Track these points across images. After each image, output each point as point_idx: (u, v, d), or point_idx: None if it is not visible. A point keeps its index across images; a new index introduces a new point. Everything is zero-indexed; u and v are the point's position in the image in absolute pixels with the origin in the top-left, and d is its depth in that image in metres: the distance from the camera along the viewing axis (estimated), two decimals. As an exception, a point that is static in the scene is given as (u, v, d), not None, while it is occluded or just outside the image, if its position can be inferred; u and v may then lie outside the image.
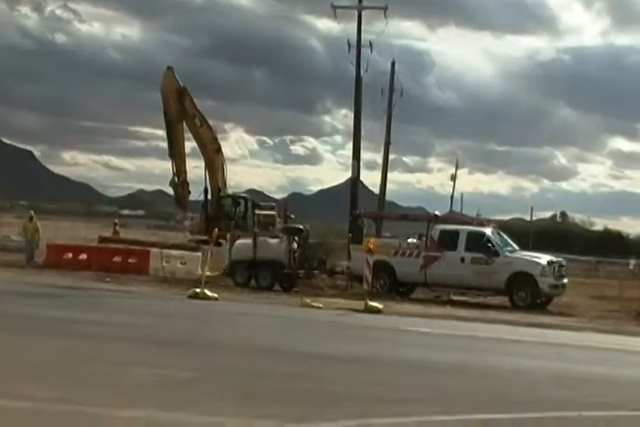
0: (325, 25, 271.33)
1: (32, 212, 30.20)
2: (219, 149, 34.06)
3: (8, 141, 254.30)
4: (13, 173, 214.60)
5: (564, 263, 23.97)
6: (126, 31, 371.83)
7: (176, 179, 32.89)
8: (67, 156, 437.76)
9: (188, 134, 33.28)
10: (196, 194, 34.75)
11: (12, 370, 8.66)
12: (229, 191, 35.82)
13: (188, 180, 33.98)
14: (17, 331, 11.76)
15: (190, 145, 34.28)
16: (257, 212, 34.77)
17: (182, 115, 32.07)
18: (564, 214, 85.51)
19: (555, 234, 58.41)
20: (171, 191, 35.03)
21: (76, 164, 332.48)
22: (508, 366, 11.45)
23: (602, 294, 26.84)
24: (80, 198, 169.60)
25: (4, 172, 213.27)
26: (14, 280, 21.25)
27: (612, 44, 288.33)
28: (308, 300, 19.82)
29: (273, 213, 35.79)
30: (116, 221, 33.86)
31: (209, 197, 34.28)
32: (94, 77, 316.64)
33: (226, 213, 33.67)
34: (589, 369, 11.79)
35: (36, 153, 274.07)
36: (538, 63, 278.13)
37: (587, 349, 15.04)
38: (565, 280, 23.56)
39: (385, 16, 33.41)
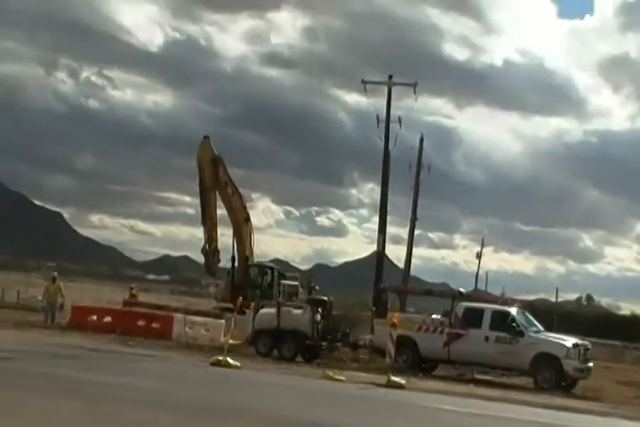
0: (354, 99, 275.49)
1: (55, 273, 30.57)
2: (247, 218, 34.44)
3: (39, 203, 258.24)
4: (43, 234, 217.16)
5: (589, 346, 23.68)
6: (158, 98, 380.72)
7: (207, 246, 33.16)
8: (95, 219, 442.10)
9: (218, 202, 33.69)
10: (222, 261, 34.96)
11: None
12: (255, 260, 36.02)
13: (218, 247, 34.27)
14: (39, 391, 11.83)
15: (219, 213, 34.67)
16: (282, 282, 34.86)
17: (216, 183, 32.56)
18: (589, 297, 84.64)
19: (580, 317, 57.74)
20: (197, 257, 35.46)
21: (104, 227, 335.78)
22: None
23: (628, 380, 26.40)
24: (106, 261, 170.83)
25: (35, 233, 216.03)
26: (39, 341, 21.38)
27: (639, 129, 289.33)
28: (329, 372, 19.70)
29: (296, 283, 35.88)
30: (133, 285, 33.99)
31: (235, 264, 34.46)
32: (126, 143, 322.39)
33: (252, 281, 33.82)
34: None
35: (66, 215, 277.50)
36: (565, 144, 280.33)
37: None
38: (591, 364, 23.24)
39: (414, 92, 34.06)
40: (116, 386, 13.37)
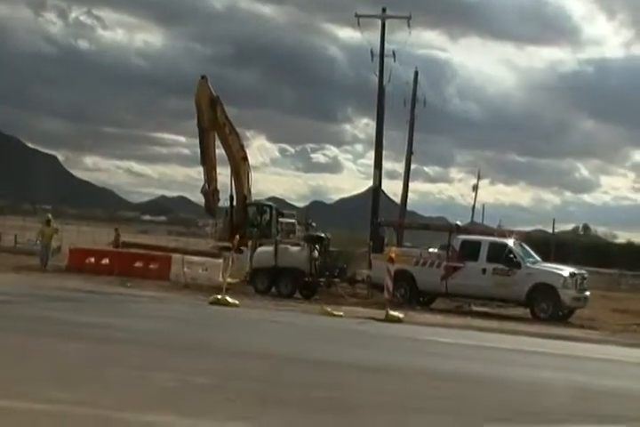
0: (347, 34, 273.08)
1: (49, 215, 30.36)
2: (245, 158, 34.23)
3: (32, 146, 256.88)
4: (38, 177, 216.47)
5: (586, 276, 23.83)
6: (149, 38, 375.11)
7: (207, 186, 33.04)
8: (89, 161, 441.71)
9: (216, 142, 33.41)
10: (221, 201, 34.87)
11: (34, 373, 8.73)
12: (252, 199, 35.94)
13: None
14: (39, 334, 11.89)
15: (217, 152, 34.41)
16: (280, 220, 34.85)
17: (214, 123, 32.21)
18: (586, 227, 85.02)
19: (577, 246, 58.05)
20: (194, 197, 35.39)
21: (99, 169, 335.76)
22: (527, 378, 11.41)
23: (624, 308, 26.65)
24: (102, 203, 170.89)
25: (29, 176, 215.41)
26: (37, 284, 21.42)
27: (635, 56, 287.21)
28: (328, 308, 19.83)
29: (293, 221, 35.87)
30: (117, 227, 33.94)
31: (233, 204, 34.40)
32: (117, 84, 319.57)
33: (251, 220, 33.79)
34: (611, 382, 11.70)
35: (60, 158, 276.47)
36: (560, 75, 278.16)
37: (608, 362, 14.93)
38: (587, 293, 23.42)
39: (408, 26, 33.51)
40: (116, 328, 13.43)
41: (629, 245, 64.72)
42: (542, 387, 10.61)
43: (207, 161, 32.79)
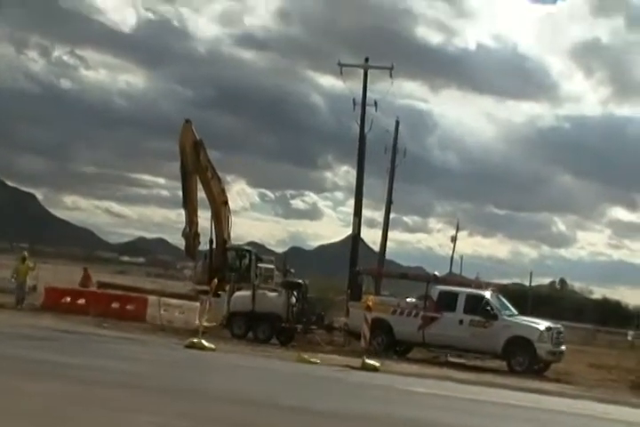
0: (329, 82, 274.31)
1: (25, 253, 30.24)
2: (226, 202, 34.38)
3: (11, 184, 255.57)
4: (16, 215, 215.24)
5: (562, 330, 23.91)
6: (131, 79, 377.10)
7: (188, 229, 33.06)
8: (68, 200, 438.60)
9: (198, 186, 33.50)
10: (201, 244, 34.85)
11: (9, 414, 8.63)
12: (232, 243, 35.97)
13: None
14: (13, 373, 11.75)
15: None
16: (259, 265, 34.86)
17: (197, 167, 32.38)
18: (563, 281, 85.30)
19: (554, 300, 58.30)
20: (172, 240, 35.37)
21: (78, 208, 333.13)
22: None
23: (600, 363, 26.67)
24: (81, 243, 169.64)
25: (7, 214, 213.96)
26: (11, 323, 21.20)
27: (611, 114, 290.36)
28: (304, 355, 19.75)
29: (272, 266, 35.88)
30: (86, 266, 33.65)
31: (213, 247, 34.41)
32: (98, 124, 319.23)
33: (230, 264, 33.79)
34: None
35: (39, 196, 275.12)
36: (538, 129, 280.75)
37: (582, 416, 14.92)
38: (563, 347, 23.48)
39: (390, 75, 34.01)
40: (90, 368, 13.33)
41: (605, 301, 65.08)
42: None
43: (189, 204, 32.90)
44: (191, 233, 33.15)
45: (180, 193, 33.28)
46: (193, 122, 33.27)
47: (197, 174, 32.75)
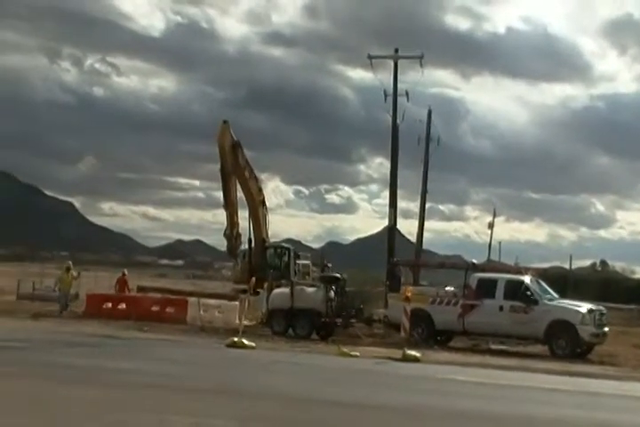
0: (358, 75, 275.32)
1: (70, 263, 30.51)
2: (263, 201, 34.49)
3: (50, 194, 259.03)
4: (55, 224, 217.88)
5: (604, 312, 23.63)
6: (163, 83, 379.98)
7: (229, 230, 33.22)
8: (106, 207, 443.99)
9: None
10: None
11: (56, 419, 8.76)
12: (271, 241, 36.09)
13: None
14: (59, 379, 11.93)
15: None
16: (297, 262, 34.97)
17: (235, 167, 32.54)
18: (603, 263, 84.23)
19: (595, 282, 57.64)
20: (209, 241, 35.57)
21: (115, 214, 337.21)
22: (547, 416, 11.30)
23: (644, 344, 26.33)
24: (120, 249, 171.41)
25: (47, 223, 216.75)
26: (55, 330, 21.52)
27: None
28: (345, 349, 19.77)
29: (308, 262, 35.95)
30: (125, 271, 33.88)
31: (252, 246, 34.55)
32: (132, 129, 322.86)
33: (269, 263, 33.92)
34: (633, 419, 11.58)
35: (77, 205, 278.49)
36: (572, 111, 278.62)
37: (629, 398, 14.77)
38: (606, 329, 23.22)
39: (421, 65, 33.88)
40: (133, 372, 13.45)
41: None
42: (565, 425, 10.51)
43: (230, 205, 33.02)
44: (233, 234, 33.27)
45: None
46: (222, 122, 33.37)
47: (236, 175, 32.89)
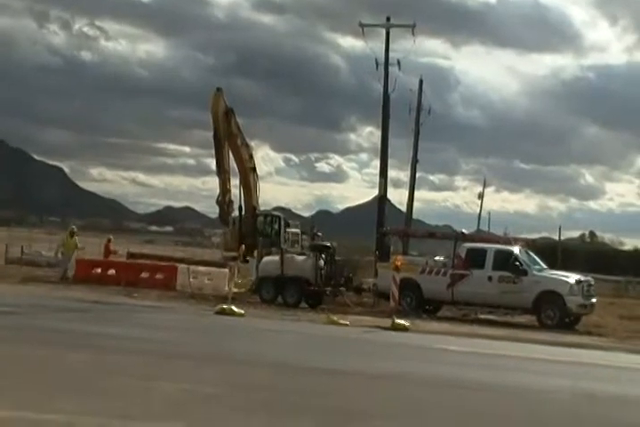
0: (349, 42, 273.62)
1: (74, 227, 29.60)
2: (254, 168, 34.37)
3: (39, 158, 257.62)
4: (44, 189, 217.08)
5: (592, 282, 23.76)
6: (151, 48, 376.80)
7: (222, 197, 33.13)
8: (95, 172, 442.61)
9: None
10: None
11: (42, 384, 8.76)
12: (261, 209, 36.01)
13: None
14: (46, 344, 11.91)
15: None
16: (287, 230, 34.94)
17: (228, 134, 32.38)
18: (592, 234, 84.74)
19: (584, 253, 57.94)
20: (199, 208, 35.34)
21: (105, 180, 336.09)
22: (535, 385, 11.37)
23: (631, 315, 26.54)
24: (109, 214, 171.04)
25: (36, 188, 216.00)
26: (44, 295, 21.47)
27: (638, 62, 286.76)
28: (334, 317, 19.83)
29: (297, 231, 35.93)
30: (111, 237, 33.73)
31: (242, 214, 34.48)
32: (121, 94, 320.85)
33: (259, 230, 33.89)
34: (620, 389, 11.67)
35: (66, 169, 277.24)
36: (562, 81, 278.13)
37: (614, 368, 14.88)
38: (594, 300, 23.37)
39: (413, 34, 33.59)
40: (123, 338, 13.44)
41: (636, 252, 64.53)
42: (552, 394, 10.59)
43: (222, 172, 32.90)
44: (225, 200, 33.21)
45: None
46: (212, 88, 33.16)
47: (228, 142, 32.72)
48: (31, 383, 8.68)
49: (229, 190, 33.38)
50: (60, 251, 28.25)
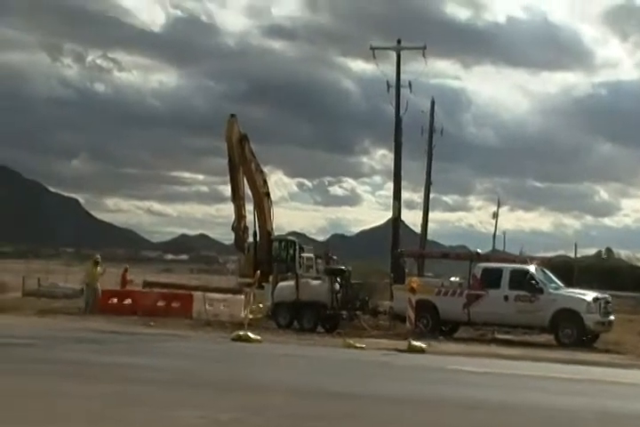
0: (359, 66, 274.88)
1: (98, 256, 29.11)
2: (268, 193, 34.54)
3: (54, 190, 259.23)
4: (60, 220, 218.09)
5: (610, 300, 23.64)
6: (164, 78, 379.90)
7: (238, 223, 33.23)
8: (110, 202, 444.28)
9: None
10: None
11: (63, 415, 8.79)
12: (275, 234, 36.14)
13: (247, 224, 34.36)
14: (65, 376, 11.96)
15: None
16: (302, 255, 35.03)
17: (242, 160, 32.59)
18: (609, 250, 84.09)
19: (600, 270, 57.58)
20: (214, 235, 35.41)
21: (120, 210, 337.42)
22: (554, 404, 11.31)
23: (650, 331, 26.31)
24: (125, 244, 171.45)
25: (51, 220, 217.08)
26: (61, 327, 21.56)
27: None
28: (350, 341, 19.81)
29: (311, 255, 36.00)
30: (127, 266, 33.76)
31: (257, 239, 34.59)
32: (134, 125, 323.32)
33: (275, 256, 33.97)
34: (638, 407, 11.59)
35: (82, 201, 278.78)
36: (574, 99, 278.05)
37: (635, 386, 14.77)
38: (612, 317, 23.23)
39: (424, 56, 33.82)
40: (141, 367, 13.49)
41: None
42: (573, 414, 10.51)
43: (238, 198, 33.05)
44: (241, 226, 33.33)
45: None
46: (225, 115, 33.45)
47: (242, 168, 32.90)
48: (51, 415, 8.73)
49: (244, 216, 33.51)
50: (85, 282, 27.71)
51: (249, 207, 34.25)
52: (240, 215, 33.36)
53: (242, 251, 35.86)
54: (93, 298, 26.80)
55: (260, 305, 25.84)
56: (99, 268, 27.83)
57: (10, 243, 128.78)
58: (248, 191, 33.99)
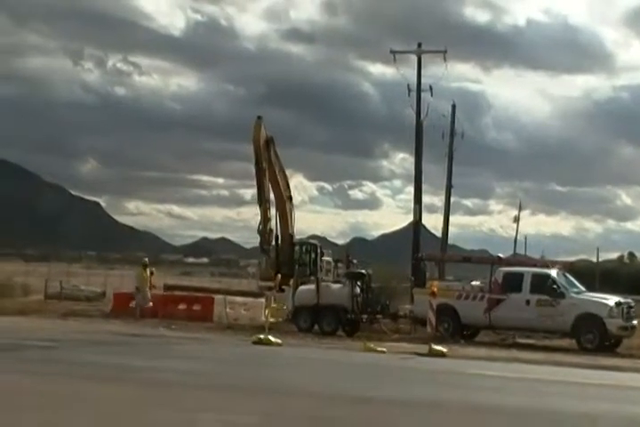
0: (379, 70, 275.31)
1: (146, 260, 29.00)
2: (290, 197, 34.54)
3: (76, 193, 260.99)
4: (81, 223, 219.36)
5: (632, 304, 23.46)
6: (183, 82, 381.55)
7: (263, 226, 33.26)
8: (131, 206, 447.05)
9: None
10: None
11: (84, 417, 8.84)
12: (297, 238, 36.11)
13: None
14: (87, 379, 12.01)
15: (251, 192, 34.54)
16: (323, 258, 35.00)
17: (268, 163, 32.61)
18: (631, 255, 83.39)
19: (623, 275, 57.14)
20: (234, 238, 35.42)
21: (141, 213, 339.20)
22: (576, 409, 11.23)
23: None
24: (146, 247, 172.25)
25: (73, 223, 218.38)
26: (84, 329, 21.69)
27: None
28: (371, 344, 19.78)
29: (330, 259, 35.97)
30: (153, 269, 33.82)
31: (279, 243, 34.57)
32: (154, 128, 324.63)
33: (297, 259, 33.97)
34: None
35: (103, 204, 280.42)
36: (595, 102, 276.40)
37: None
38: (635, 322, 23.05)
39: (444, 60, 33.77)
40: (161, 370, 13.53)
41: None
42: (594, 419, 10.45)
43: (264, 201, 33.07)
44: (266, 229, 33.34)
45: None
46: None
47: (268, 170, 32.91)
48: (75, 417, 8.78)
49: (270, 219, 33.50)
50: (136, 285, 27.33)
51: (271, 210, 34.24)
52: (266, 218, 33.34)
53: (266, 254, 35.81)
54: (142, 303, 26.44)
55: (285, 307, 25.84)
56: (149, 270, 27.56)
57: (33, 246, 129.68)
58: (271, 194, 33.98)
